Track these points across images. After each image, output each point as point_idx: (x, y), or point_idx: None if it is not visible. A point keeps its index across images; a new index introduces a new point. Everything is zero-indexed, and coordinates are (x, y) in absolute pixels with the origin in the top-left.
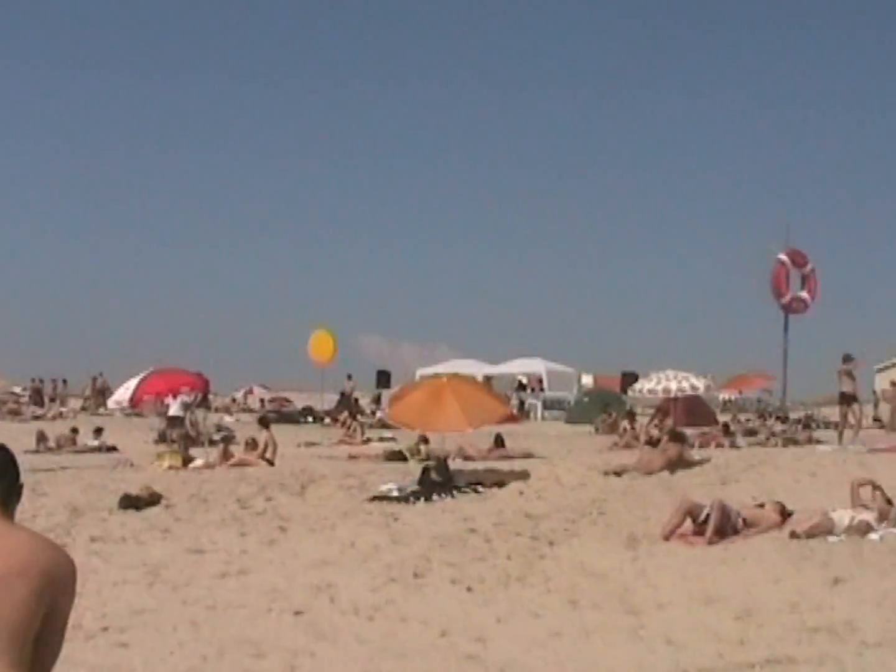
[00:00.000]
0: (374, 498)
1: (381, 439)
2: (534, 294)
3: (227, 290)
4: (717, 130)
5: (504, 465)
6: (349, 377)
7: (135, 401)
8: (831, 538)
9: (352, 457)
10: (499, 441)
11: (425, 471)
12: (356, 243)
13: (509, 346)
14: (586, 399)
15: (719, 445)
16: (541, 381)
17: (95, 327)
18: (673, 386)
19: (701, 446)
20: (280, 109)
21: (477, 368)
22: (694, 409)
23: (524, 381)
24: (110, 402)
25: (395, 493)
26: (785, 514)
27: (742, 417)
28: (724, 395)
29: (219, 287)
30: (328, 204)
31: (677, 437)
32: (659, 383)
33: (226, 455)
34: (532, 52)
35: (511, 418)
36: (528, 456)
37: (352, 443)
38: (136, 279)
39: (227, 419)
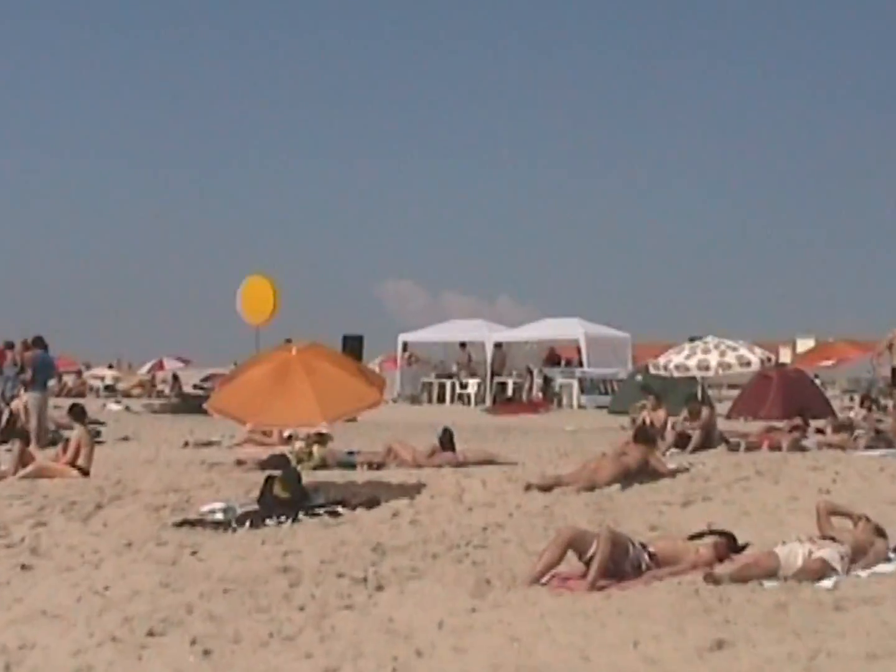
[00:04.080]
0: (185, 522)
1: (320, 437)
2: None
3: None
4: None
5: (421, 476)
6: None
7: None
8: (769, 583)
9: (240, 462)
10: (446, 441)
11: (268, 484)
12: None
13: (585, 302)
14: (638, 377)
15: (774, 448)
16: (578, 350)
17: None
18: (713, 360)
19: (749, 449)
20: None
21: (486, 332)
22: (798, 394)
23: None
24: None
25: (219, 516)
26: (726, 550)
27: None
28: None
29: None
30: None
31: (643, 438)
32: (692, 356)
33: (22, 461)
34: None
35: (376, 403)
36: (486, 463)
37: (265, 442)
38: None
39: (114, 407)
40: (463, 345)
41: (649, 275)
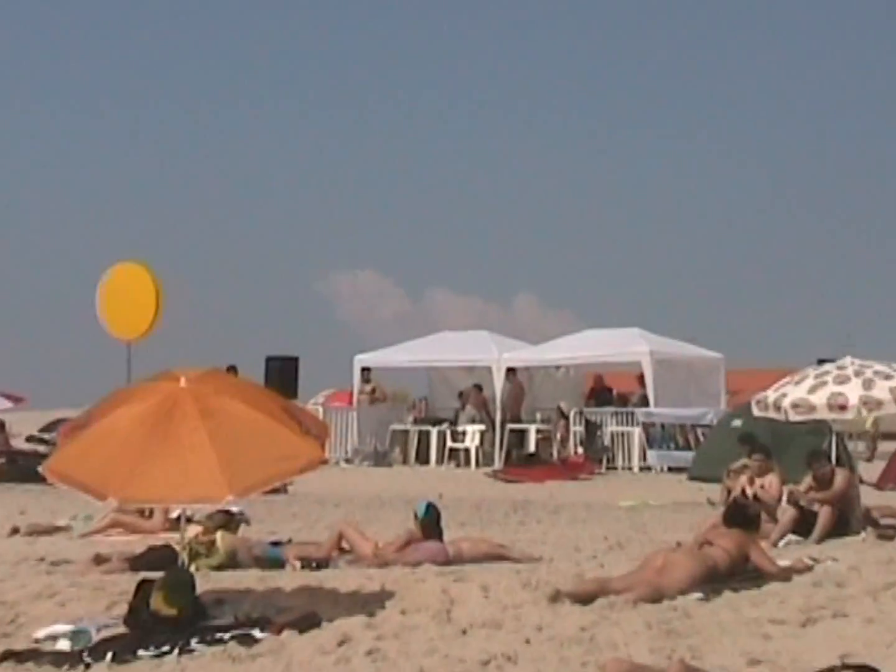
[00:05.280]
0: (9, 655)
1: (227, 518)
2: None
3: None
4: None
5: (387, 579)
6: (232, 369)
7: None
8: None
9: (100, 560)
10: (428, 525)
11: (142, 593)
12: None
13: (645, 305)
14: (736, 422)
15: None
16: (641, 380)
17: None
18: (853, 396)
19: (882, 535)
20: None
21: (494, 351)
22: None
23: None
24: None
25: (64, 645)
26: None
27: None
28: None
29: None
30: None
31: (741, 518)
32: (820, 389)
33: None
34: None
35: (315, 464)
36: (491, 559)
37: (139, 527)
38: None
39: None
40: (478, 386)
41: (745, 267)
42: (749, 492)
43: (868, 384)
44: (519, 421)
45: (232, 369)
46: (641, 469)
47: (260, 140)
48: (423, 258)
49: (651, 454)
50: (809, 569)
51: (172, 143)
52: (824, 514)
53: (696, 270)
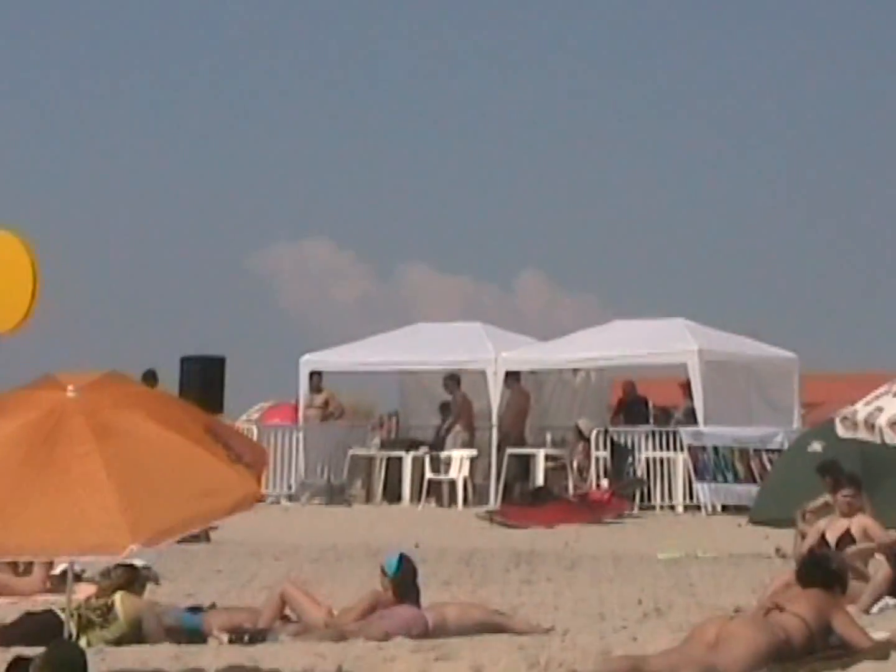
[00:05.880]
0: None
1: (129, 575)
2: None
3: None
4: None
5: (345, 656)
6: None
7: None
8: None
9: None
10: (402, 584)
11: None
12: None
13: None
14: (815, 446)
15: None
16: (687, 388)
17: None
18: None
19: None
20: None
21: (489, 348)
22: None
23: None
24: None
25: None
26: None
27: None
28: None
29: None
30: None
31: (821, 576)
32: None
33: None
34: None
35: (248, 501)
36: (485, 629)
37: (12, 588)
38: None
39: None
40: (454, 378)
41: (825, 239)
42: (833, 539)
43: None
44: (523, 443)
45: (150, 376)
46: (687, 508)
47: (174, 74)
48: (395, 225)
49: (700, 488)
50: None
51: (52, 79)
52: None
53: (758, 243)
